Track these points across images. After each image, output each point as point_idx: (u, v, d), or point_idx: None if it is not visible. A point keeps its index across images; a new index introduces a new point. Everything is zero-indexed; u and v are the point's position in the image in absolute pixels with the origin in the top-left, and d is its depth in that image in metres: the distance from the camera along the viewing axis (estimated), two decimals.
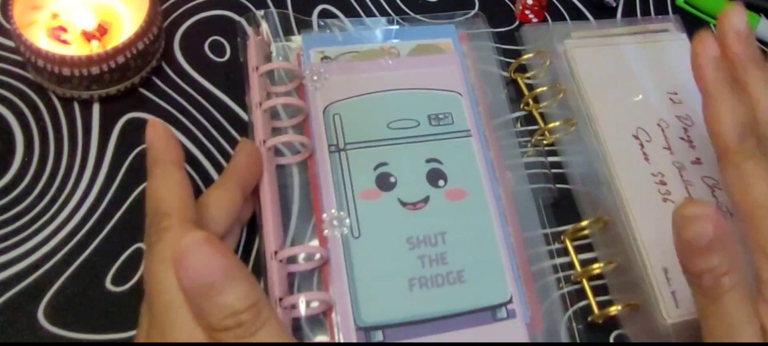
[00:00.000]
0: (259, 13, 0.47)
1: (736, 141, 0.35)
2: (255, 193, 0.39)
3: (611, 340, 0.40)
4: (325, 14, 0.50)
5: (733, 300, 0.31)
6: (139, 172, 0.41)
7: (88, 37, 0.43)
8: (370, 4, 0.51)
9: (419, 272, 0.39)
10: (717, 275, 0.31)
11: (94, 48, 0.43)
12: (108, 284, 0.38)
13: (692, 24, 0.54)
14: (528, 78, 0.49)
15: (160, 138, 0.35)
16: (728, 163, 0.35)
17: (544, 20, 0.53)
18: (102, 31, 0.43)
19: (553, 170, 0.46)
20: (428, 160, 0.42)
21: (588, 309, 0.41)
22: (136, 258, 0.39)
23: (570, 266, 0.42)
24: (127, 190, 0.41)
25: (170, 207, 0.32)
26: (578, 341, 0.40)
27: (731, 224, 0.31)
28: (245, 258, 0.40)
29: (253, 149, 0.39)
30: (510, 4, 0.53)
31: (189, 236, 0.28)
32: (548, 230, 0.43)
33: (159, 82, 0.45)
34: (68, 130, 0.42)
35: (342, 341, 0.36)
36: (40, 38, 0.42)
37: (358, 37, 0.47)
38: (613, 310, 0.40)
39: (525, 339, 0.38)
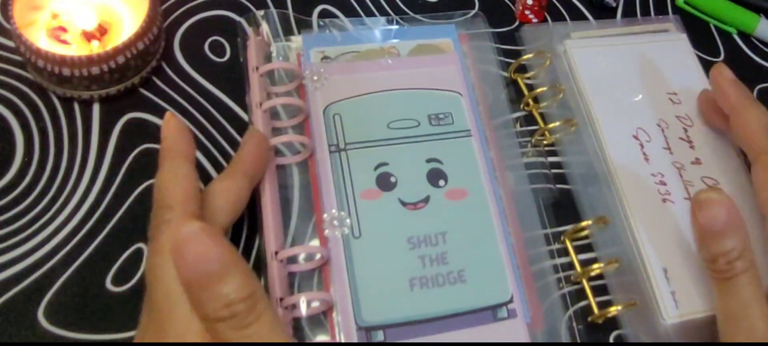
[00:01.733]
0: (259, 13, 0.47)
1: (767, 142, 0.39)
2: (255, 192, 0.39)
3: (611, 340, 0.40)
4: (325, 14, 0.50)
5: (745, 282, 0.34)
6: (139, 172, 0.41)
7: (88, 37, 0.43)
8: (370, 4, 0.51)
9: (420, 271, 0.39)
10: (731, 258, 0.34)
11: (94, 48, 0.43)
12: (108, 284, 0.38)
13: (692, 24, 0.54)
14: (528, 78, 0.49)
15: (173, 131, 0.35)
16: (761, 164, 0.38)
17: (544, 20, 0.53)
18: (102, 31, 0.43)
19: (553, 170, 0.46)
20: (428, 160, 0.42)
21: (588, 309, 0.41)
22: (136, 258, 0.39)
23: (570, 266, 0.42)
24: (127, 190, 0.41)
25: (173, 200, 0.32)
26: (578, 341, 0.40)
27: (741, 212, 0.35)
28: (245, 258, 0.40)
29: (261, 139, 0.39)
30: (510, 4, 0.53)
31: (187, 226, 0.28)
32: (548, 230, 0.43)
33: (159, 82, 0.45)
34: (68, 130, 0.42)
35: (343, 341, 0.36)
36: (40, 38, 0.42)
37: (358, 37, 0.47)
38: (613, 310, 0.40)
39: (526, 339, 0.38)
